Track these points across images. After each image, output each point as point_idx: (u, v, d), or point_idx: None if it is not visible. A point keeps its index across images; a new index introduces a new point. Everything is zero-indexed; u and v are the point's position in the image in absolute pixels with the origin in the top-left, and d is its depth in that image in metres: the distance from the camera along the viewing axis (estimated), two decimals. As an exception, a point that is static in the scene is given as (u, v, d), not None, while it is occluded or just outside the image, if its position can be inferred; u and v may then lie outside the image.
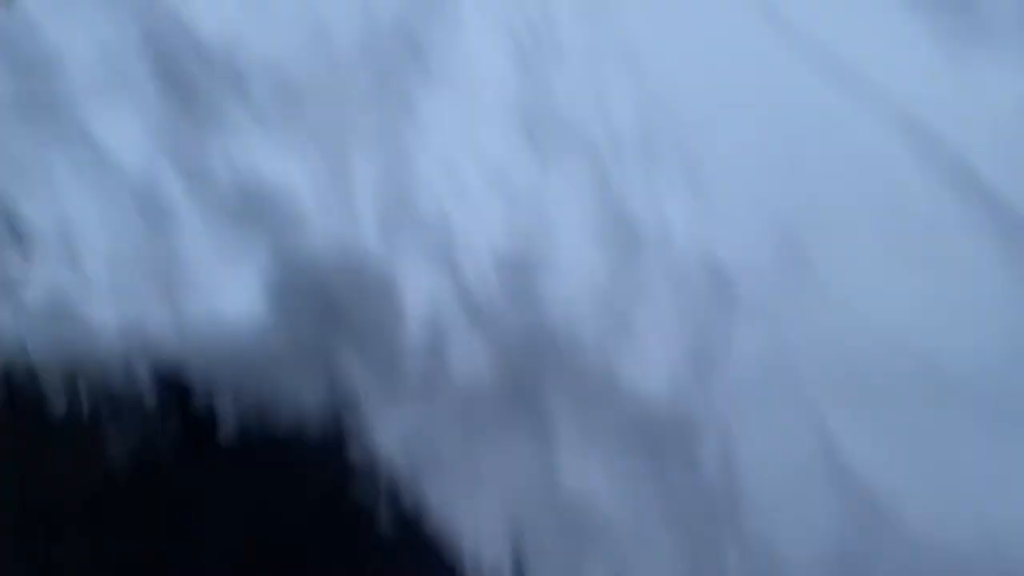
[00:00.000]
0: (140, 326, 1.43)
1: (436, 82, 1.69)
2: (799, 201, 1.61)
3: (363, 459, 1.56)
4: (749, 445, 1.50)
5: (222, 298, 1.40)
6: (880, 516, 1.44)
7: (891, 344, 1.55)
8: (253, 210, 1.42)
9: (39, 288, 1.48)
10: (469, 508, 1.55)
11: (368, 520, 1.55)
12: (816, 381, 1.53)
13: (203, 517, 1.55)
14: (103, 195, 1.55)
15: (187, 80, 1.66)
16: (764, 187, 1.62)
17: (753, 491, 1.48)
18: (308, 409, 1.54)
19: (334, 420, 1.57)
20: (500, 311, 1.45)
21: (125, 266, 1.41)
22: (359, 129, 1.55)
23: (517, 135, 1.65)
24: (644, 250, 1.56)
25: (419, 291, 1.43)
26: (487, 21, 1.77)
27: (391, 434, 1.53)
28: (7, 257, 1.51)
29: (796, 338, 1.55)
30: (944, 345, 1.53)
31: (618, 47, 1.79)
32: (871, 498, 1.45)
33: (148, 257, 1.41)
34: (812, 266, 1.60)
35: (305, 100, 1.58)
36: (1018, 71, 1.69)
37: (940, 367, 1.52)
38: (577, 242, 1.54)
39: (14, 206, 1.53)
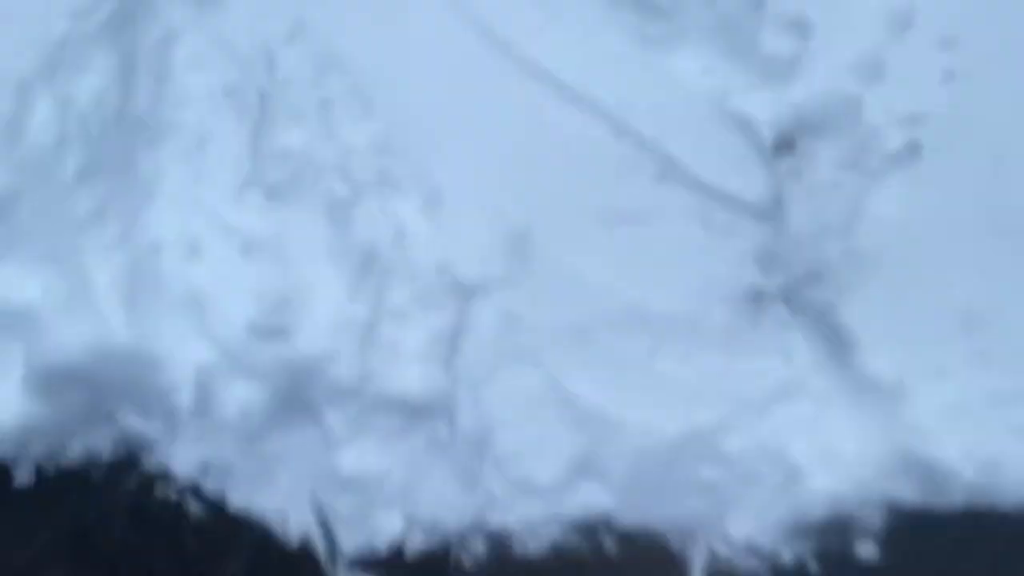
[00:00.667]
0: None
1: (166, 164, 1.64)
2: (529, 199, 1.79)
3: (159, 473, 1.75)
4: (495, 399, 1.80)
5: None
6: (606, 426, 1.80)
7: (606, 298, 1.83)
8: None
9: None
10: (269, 493, 1.81)
11: (176, 510, 1.78)
12: (546, 341, 1.81)
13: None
14: None
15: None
16: (495, 192, 1.77)
17: (503, 427, 1.80)
18: (99, 454, 1.68)
19: (127, 454, 1.73)
20: (261, 356, 1.60)
21: None
22: (91, 236, 1.52)
23: (253, 196, 1.67)
24: (385, 271, 1.70)
25: (182, 358, 1.53)
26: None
27: (185, 459, 1.72)
28: None
29: (527, 314, 1.80)
30: (649, 290, 1.83)
31: (348, 93, 1.77)
32: (598, 414, 1.80)
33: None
34: (540, 252, 1.80)
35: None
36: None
37: (646, 307, 1.82)
38: (324, 278, 1.66)
39: None
